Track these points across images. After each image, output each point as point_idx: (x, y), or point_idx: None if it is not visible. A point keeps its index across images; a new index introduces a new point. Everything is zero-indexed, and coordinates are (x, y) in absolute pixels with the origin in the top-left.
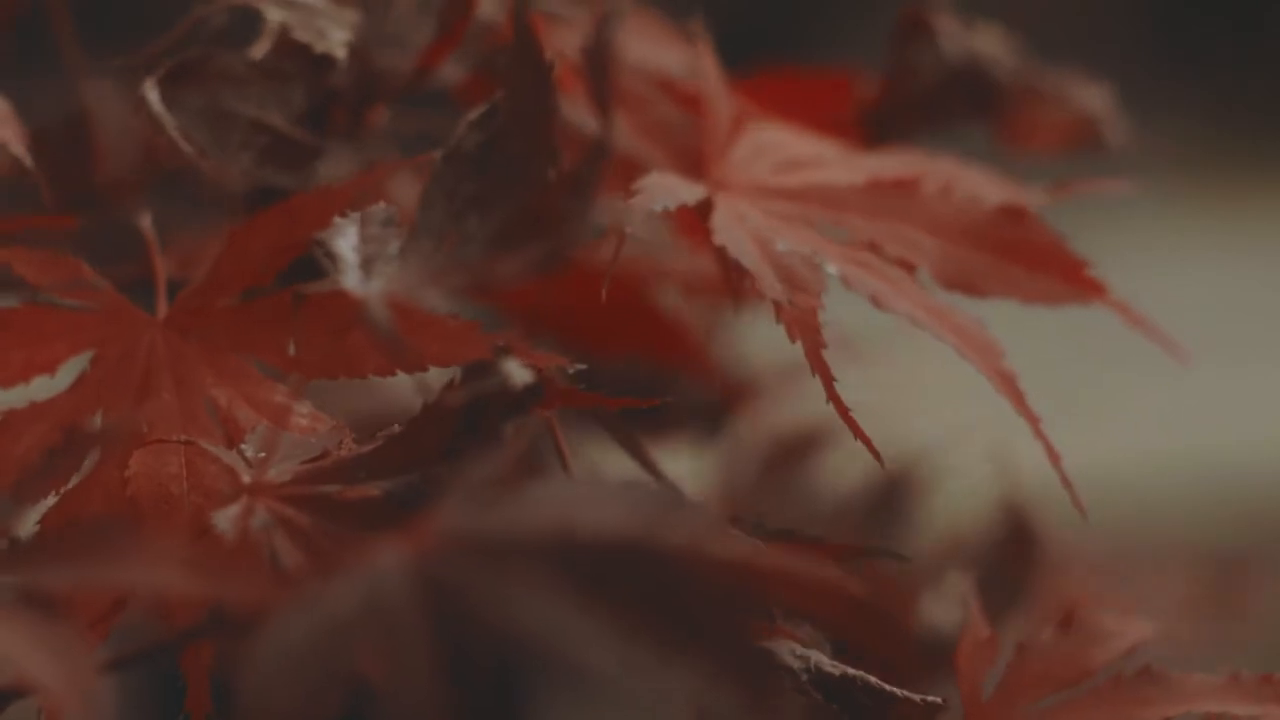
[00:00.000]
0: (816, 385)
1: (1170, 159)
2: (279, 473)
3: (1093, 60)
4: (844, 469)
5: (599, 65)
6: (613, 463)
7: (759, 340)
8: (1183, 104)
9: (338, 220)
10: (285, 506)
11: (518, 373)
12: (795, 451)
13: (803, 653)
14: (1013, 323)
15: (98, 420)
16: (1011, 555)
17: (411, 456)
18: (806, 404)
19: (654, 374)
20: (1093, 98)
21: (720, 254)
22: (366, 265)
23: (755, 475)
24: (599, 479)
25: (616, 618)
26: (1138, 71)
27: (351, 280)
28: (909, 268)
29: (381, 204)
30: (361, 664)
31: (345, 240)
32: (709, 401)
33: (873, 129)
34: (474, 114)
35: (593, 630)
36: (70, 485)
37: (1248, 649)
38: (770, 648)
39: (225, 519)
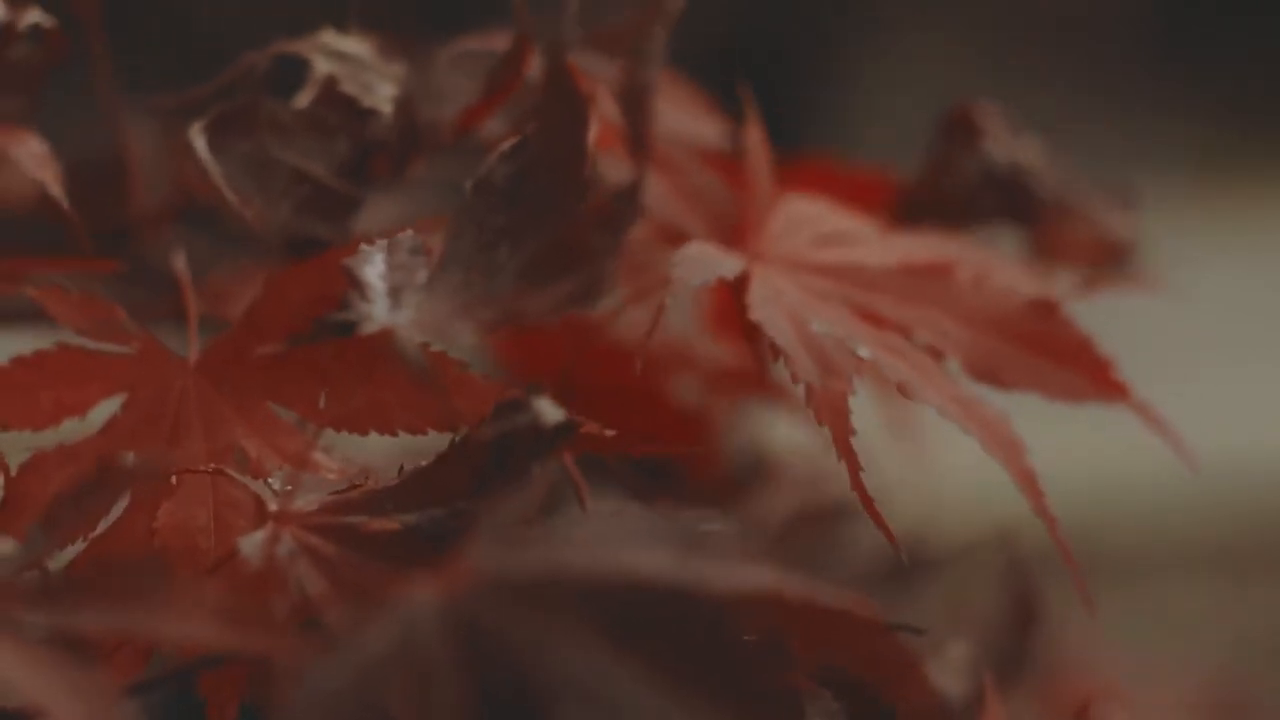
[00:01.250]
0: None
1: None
2: (305, 502)
3: (1099, 63)
4: (852, 543)
5: (633, 103)
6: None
7: (771, 431)
8: (1188, 106)
9: (364, 248)
10: (311, 535)
11: (549, 411)
12: (805, 528)
13: (833, 709)
14: None
15: (130, 458)
16: (1014, 627)
17: (439, 491)
18: (813, 490)
19: (663, 458)
20: (1122, 221)
21: (756, 330)
22: (394, 294)
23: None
24: (628, 515)
25: (651, 661)
26: (1144, 74)
27: (379, 309)
28: (938, 356)
29: (408, 232)
30: (395, 704)
31: (372, 268)
32: (717, 485)
33: (906, 220)
34: (505, 146)
35: (624, 672)
36: (100, 529)
37: None
38: (801, 697)
39: (251, 545)
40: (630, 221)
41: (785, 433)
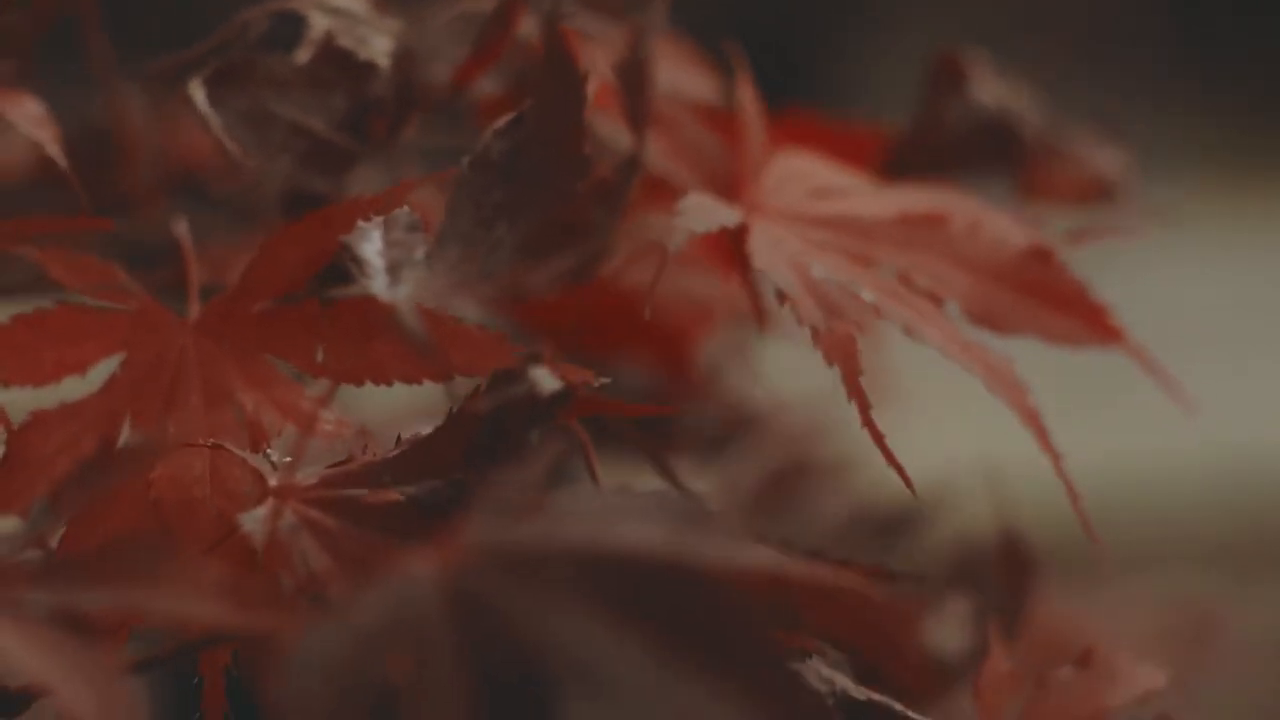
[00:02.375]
0: (820, 411)
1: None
2: (305, 476)
3: (1114, 59)
4: (842, 492)
5: (633, 78)
6: (629, 477)
7: (766, 363)
8: (1202, 104)
9: (362, 225)
10: (312, 509)
11: (545, 380)
12: (793, 475)
13: (828, 675)
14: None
15: (128, 432)
16: (1009, 578)
17: (437, 462)
18: (806, 429)
19: (659, 393)
20: (1109, 159)
21: (755, 278)
22: (393, 271)
23: (752, 499)
24: (627, 490)
25: (647, 634)
26: (1158, 70)
27: (379, 285)
28: (938, 301)
29: (405, 209)
30: (391, 676)
31: (370, 245)
32: (712, 424)
33: (895, 170)
34: (501, 121)
35: (623, 646)
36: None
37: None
38: (799, 669)
39: (253, 520)
40: (628, 196)
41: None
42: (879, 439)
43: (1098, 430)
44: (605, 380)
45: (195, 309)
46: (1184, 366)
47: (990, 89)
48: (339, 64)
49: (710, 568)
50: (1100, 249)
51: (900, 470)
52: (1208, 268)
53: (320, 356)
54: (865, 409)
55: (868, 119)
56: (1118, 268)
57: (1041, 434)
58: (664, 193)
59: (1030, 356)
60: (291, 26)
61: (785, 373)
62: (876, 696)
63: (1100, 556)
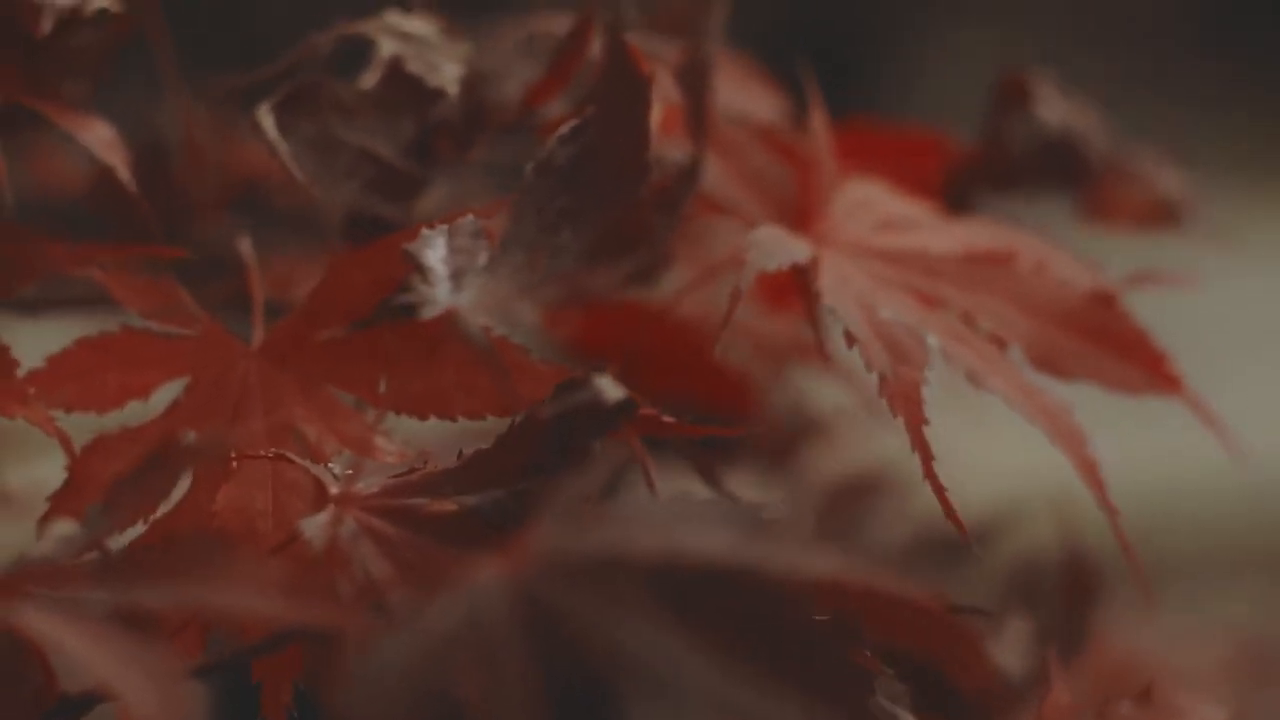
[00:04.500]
0: (874, 433)
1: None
2: (366, 485)
3: (1142, 56)
4: (902, 513)
5: (693, 83)
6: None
7: (818, 395)
8: (1232, 104)
9: (425, 232)
10: (373, 517)
11: (609, 390)
12: (852, 497)
13: (889, 708)
14: None
15: (190, 437)
16: (1071, 602)
17: (500, 472)
18: (863, 452)
19: (713, 420)
20: (1173, 180)
21: (822, 314)
22: (456, 277)
23: (814, 519)
24: (693, 498)
25: (716, 642)
26: (1187, 72)
27: (442, 292)
28: (1001, 344)
29: (469, 216)
30: (460, 684)
31: (434, 252)
32: (765, 449)
33: (960, 189)
34: (565, 128)
35: (693, 655)
36: (160, 512)
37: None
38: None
39: (313, 527)
40: (686, 203)
41: (831, 397)
42: (940, 491)
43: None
44: (661, 408)
45: (259, 332)
46: (1231, 370)
47: (1055, 108)
48: (407, 89)
49: (777, 575)
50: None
51: (959, 525)
52: (1259, 280)
53: (383, 388)
54: (928, 461)
55: (930, 128)
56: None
57: (1098, 486)
58: (727, 218)
59: None
60: (359, 52)
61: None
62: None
63: (1151, 578)
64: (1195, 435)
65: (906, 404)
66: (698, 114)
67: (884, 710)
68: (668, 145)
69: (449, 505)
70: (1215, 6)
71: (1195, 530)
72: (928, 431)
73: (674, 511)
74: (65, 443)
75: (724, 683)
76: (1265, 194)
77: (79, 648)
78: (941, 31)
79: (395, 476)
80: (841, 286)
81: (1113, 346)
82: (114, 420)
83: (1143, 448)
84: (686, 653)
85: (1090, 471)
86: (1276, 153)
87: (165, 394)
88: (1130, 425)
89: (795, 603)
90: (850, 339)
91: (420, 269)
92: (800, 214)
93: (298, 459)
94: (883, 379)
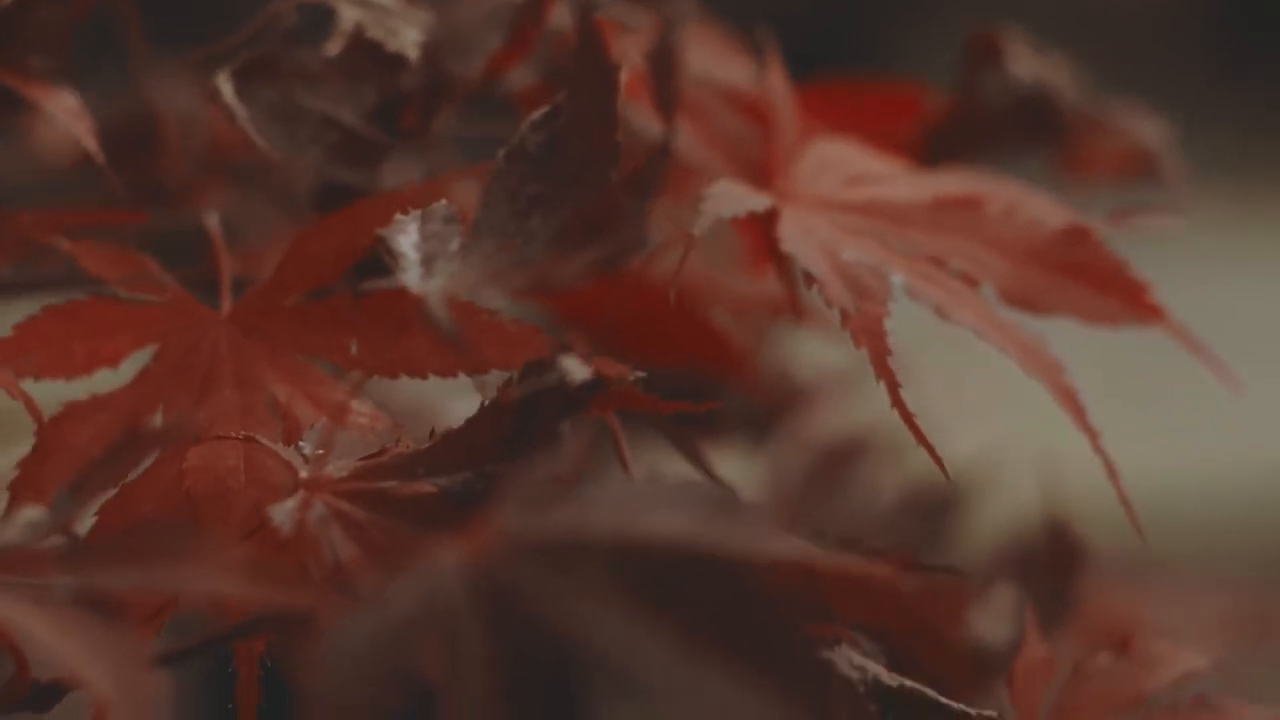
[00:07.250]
0: (864, 395)
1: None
2: (336, 468)
3: (1147, 65)
4: (887, 478)
5: (663, 67)
6: (665, 467)
7: (806, 356)
8: (1234, 108)
9: (399, 218)
10: (342, 501)
11: (576, 370)
12: (840, 459)
13: (860, 662)
14: (1066, 329)
15: (158, 418)
16: (1057, 568)
17: (469, 454)
18: (852, 413)
19: (701, 383)
20: (1150, 131)
21: (786, 262)
22: (427, 263)
23: (800, 483)
24: (657, 480)
25: (677, 624)
26: (1184, 75)
27: (412, 277)
28: (972, 283)
29: (443, 202)
30: (422, 663)
31: (406, 237)
32: (755, 410)
33: (934, 147)
34: (537, 114)
35: (653, 637)
36: (128, 479)
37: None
38: (830, 658)
39: (282, 512)
40: (659, 186)
41: (816, 357)
42: (909, 419)
43: (1148, 438)
44: (641, 374)
45: (227, 302)
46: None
47: (1027, 64)
48: (369, 56)
49: (738, 557)
50: (1151, 259)
51: (933, 452)
52: (1257, 280)
53: (354, 350)
54: (895, 389)
55: (909, 83)
56: (1166, 279)
57: (1078, 412)
58: (697, 181)
59: (1080, 364)
60: (320, 19)
61: (828, 359)
62: (908, 683)
63: (1149, 547)
64: (1195, 435)
65: (870, 337)
66: (667, 94)
67: (846, 686)
68: (636, 114)
69: (419, 487)
70: (1215, 6)
71: (1195, 530)
72: (891, 361)
73: (638, 492)
74: (32, 409)
75: (684, 663)
76: (1265, 194)
77: (45, 635)
78: (937, 31)
79: (365, 459)
80: (803, 235)
81: (1089, 279)
82: (83, 389)
83: (1143, 447)
84: (645, 635)
85: (1069, 398)
86: (1276, 153)
87: (135, 363)
88: (1130, 425)
89: (756, 583)
90: (810, 279)
91: (391, 253)
92: (764, 173)
93: (267, 442)
94: (844, 314)
